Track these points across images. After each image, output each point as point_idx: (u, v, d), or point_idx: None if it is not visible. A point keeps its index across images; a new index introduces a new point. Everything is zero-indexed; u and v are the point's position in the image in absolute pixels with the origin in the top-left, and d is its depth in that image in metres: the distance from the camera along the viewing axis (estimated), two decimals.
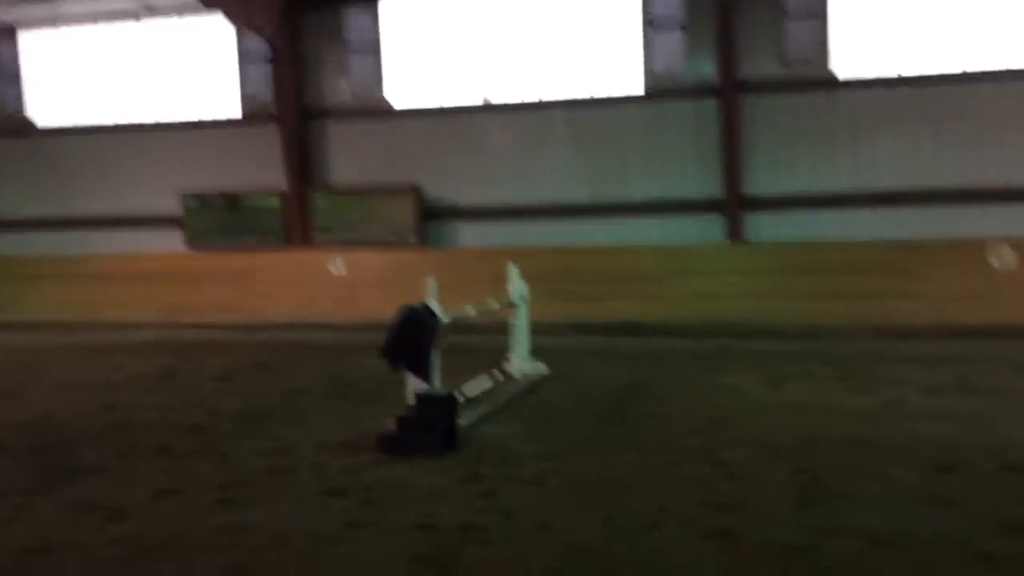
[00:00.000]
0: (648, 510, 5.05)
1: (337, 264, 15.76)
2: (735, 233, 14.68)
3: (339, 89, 16.65)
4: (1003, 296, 12.72)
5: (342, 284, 15.70)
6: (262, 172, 16.91)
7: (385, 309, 7.43)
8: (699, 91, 14.87)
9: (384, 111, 16.43)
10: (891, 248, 13.49)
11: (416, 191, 16.02)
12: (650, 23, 15.09)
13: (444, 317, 7.16)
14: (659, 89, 15.07)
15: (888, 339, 12.17)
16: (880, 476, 5.67)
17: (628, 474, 5.86)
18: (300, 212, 16.61)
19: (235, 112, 17.30)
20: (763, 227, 14.68)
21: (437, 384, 6.88)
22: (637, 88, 15.28)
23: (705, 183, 14.87)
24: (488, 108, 15.83)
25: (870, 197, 14.28)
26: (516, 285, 9.71)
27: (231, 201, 17.10)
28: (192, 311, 15.87)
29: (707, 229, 14.88)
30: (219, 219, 17.13)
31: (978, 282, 12.89)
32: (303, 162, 16.68)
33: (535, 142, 15.63)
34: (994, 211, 13.69)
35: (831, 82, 14.43)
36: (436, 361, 6.91)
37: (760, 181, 14.67)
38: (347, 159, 16.74)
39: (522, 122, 15.68)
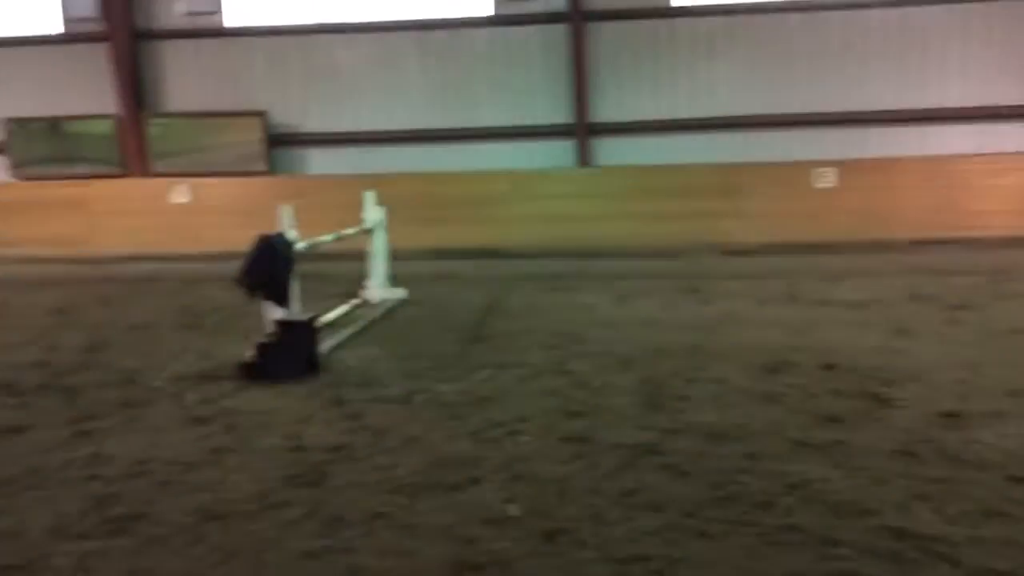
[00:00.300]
0: (509, 420, 5.32)
1: (180, 192, 15.06)
2: (584, 158, 15.10)
3: (174, 8, 15.63)
4: (824, 214, 13.82)
5: (185, 213, 15.06)
6: (93, 96, 15.78)
7: (233, 239, 7.28)
8: (548, 17, 14.99)
9: (222, 31, 15.60)
10: (725, 171, 14.30)
11: (261, 116, 15.41)
12: None
13: (300, 243, 7.11)
14: (508, 14, 15.07)
15: (725, 256, 13.01)
16: (716, 379, 6.19)
17: (489, 389, 6.11)
18: (136, 138, 15.67)
19: (60, 29, 15.93)
20: (610, 152, 15.17)
21: (296, 310, 6.87)
22: (487, 10, 15.22)
23: (555, 109, 15.13)
24: (334, 28, 15.34)
25: (707, 122, 14.99)
26: (371, 211, 9.69)
27: (56, 126, 15.87)
28: (22, 244, 14.81)
29: (558, 154, 15.22)
30: (46, 146, 15.88)
31: (802, 202, 13.93)
32: (136, 85, 15.67)
33: (384, 65, 15.35)
34: (817, 135, 14.71)
35: (670, 10, 14.89)
36: (294, 288, 6.88)
37: (607, 107, 15.09)
38: (185, 83, 15.85)
39: (370, 44, 15.32)
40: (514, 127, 15.02)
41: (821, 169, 14.07)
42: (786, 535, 3.65)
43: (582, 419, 5.34)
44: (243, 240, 6.85)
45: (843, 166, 14.04)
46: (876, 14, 14.48)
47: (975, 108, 14.34)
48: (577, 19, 14.76)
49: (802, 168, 14.13)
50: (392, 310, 9.29)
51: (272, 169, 15.54)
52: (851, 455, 4.56)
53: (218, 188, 15.03)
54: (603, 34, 14.92)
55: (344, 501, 4.13)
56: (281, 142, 15.58)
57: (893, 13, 14.44)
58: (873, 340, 7.31)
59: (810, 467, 4.39)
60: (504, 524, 3.82)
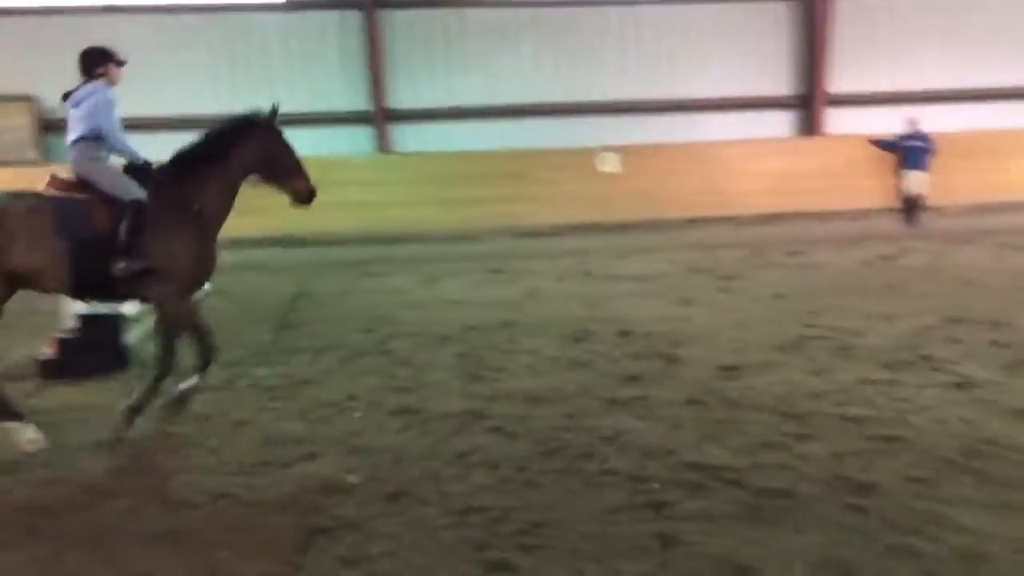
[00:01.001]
0: (337, 399, 5.48)
1: None
2: (383, 145, 15.22)
3: None
4: (610, 196, 14.83)
5: None
6: None
7: None
8: (342, 2, 14.93)
9: None
10: (519, 156, 14.96)
11: (30, 101, 14.20)
12: None
13: None
14: (302, 0, 14.84)
15: (522, 237, 13.68)
16: (528, 350, 6.66)
17: (311, 372, 6.22)
18: None
19: None
20: (408, 139, 15.40)
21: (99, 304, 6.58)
22: None
23: (353, 96, 15.12)
24: (114, 9, 14.40)
25: (500, 110, 15.58)
26: None
27: None
28: None
29: (357, 141, 15.24)
30: None
31: (590, 185, 14.85)
32: None
33: (171, 49, 14.63)
34: (600, 122, 15.71)
35: (462, 0, 15.32)
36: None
37: (404, 94, 15.29)
38: None
39: (155, 27, 14.54)
40: (312, 113, 14.84)
41: (605, 154, 15.06)
42: (605, 478, 4.12)
43: (409, 394, 5.60)
44: None
45: (625, 151, 15.12)
46: (648, 10, 15.65)
47: (736, 98, 15.90)
48: (370, 6, 14.82)
49: (588, 153, 15.06)
50: (199, 300, 9.03)
51: (46, 158, 14.38)
52: (652, 407, 5.15)
53: None
54: (397, 21, 15.08)
55: (181, 485, 4.15)
56: (56, 128, 14.40)
57: (663, 9, 15.68)
58: (660, 309, 8.10)
59: (619, 420, 4.93)
60: (346, 492, 4.02)
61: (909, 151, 13.57)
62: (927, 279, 8.92)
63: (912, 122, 13.69)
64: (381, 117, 15.16)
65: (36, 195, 4.72)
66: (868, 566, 3.21)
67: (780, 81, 15.98)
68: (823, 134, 15.67)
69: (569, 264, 11.05)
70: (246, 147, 5.13)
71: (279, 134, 5.31)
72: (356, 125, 15.20)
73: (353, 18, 14.94)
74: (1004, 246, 10.70)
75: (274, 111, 5.27)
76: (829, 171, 14.58)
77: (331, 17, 14.96)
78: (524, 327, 7.51)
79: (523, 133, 15.58)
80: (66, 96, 5.05)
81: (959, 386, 5.29)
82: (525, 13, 15.49)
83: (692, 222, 14.74)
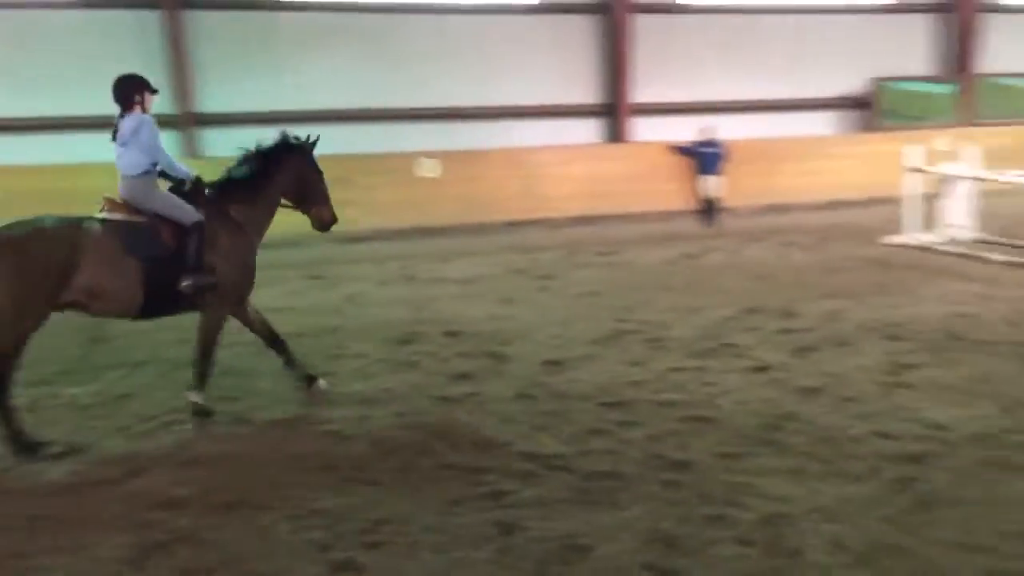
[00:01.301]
0: (159, 412, 5.26)
1: None
2: (192, 150, 14.56)
3: None
4: (430, 201, 14.96)
5: None
6: None
7: None
8: (139, 3, 14.15)
9: None
10: (338, 162, 14.69)
11: None
12: None
13: None
14: None
15: (343, 243, 13.50)
16: (356, 354, 6.67)
17: (128, 387, 5.92)
18: None
19: None
20: (219, 143, 14.78)
21: None
22: None
23: (159, 99, 14.31)
24: None
25: (317, 115, 15.30)
26: None
27: None
28: None
29: (165, 145, 14.42)
30: None
31: (411, 190, 14.92)
32: None
33: None
34: (422, 128, 15.81)
35: (273, 4, 14.95)
36: None
37: (214, 99, 14.69)
38: None
39: None
40: (110, 117, 13.91)
41: (424, 159, 15.17)
42: (442, 472, 4.24)
43: (236, 403, 5.47)
44: None
45: (444, 157, 15.30)
46: (464, 19, 15.92)
47: (548, 106, 16.48)
48: (171, 5, 14.12)
49: (408, 159, 15.12)
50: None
51: None
52: (483, 403, 5.33)
53: None
54: (205, 23, 14.47)
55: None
56: None
57: (477, 19, 16.01)
58: (484, 309, 8.32)
59: (452, 417, 5.07)
60: (180, 504, 3.89)
61: (704, 157, 14.62)
62: (725, 275, 9.69)
63: (706, 130, 14.77)
64: (189, 120, 14.47)
65: (98, 219, 4.93)
66: (688, 535, 3.52)
67: (588, 91, 16.75)
68: (628, 141, 16.59)
69: (392, 268, 11.08)
70: (286, 171, 5.54)
71: (315, 163, 5.72)
72: (162, 129, 14.36)
73: (151, 18, 14.17)
74: (787, 244, 11.80)
75: (314, 142, 5.71)
76: (634, 176, 15.45)
77: (126, 17, 14.11)
78: (350, 332, 7.50)
79: (342, 139, 15.31)
80: (114, 136, 5.24)
81: (757, 369, 5.84)
82: (342, 18, 15.32)
83: (510, 225, 15.15)
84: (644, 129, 16.65)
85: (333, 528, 3.63)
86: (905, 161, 11.30)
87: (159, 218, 5.05)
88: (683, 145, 15.03)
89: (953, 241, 10.76)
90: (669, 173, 15.34)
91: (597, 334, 7.05)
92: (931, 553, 3.31)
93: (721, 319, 7.40)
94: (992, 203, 11.73)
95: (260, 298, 9.14)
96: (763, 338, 6.70)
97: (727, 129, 15.13)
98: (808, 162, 16.12)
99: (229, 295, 5.28)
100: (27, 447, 4.51)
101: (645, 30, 16.47)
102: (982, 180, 10.96)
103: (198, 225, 5.06)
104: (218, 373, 6.15)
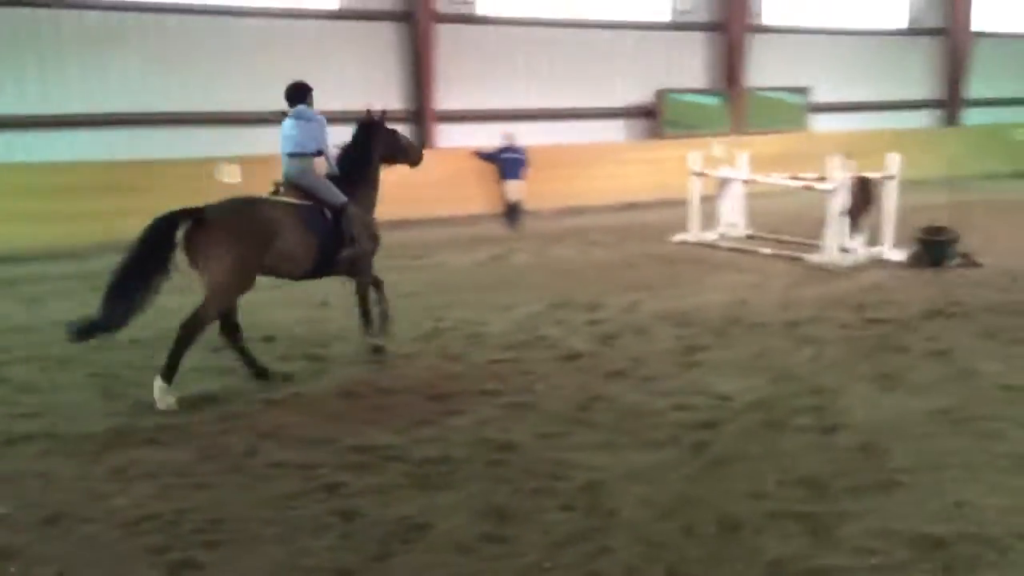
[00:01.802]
0: None
1: None
2: None
3: None
4: None
5: None
6: None
7: None
8: None
9: None
10: (121, 168, 13.96)
11: None
12: None
13: None
14: None
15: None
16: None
17: None
18: None
19: None
20: None
21: None
22: None
23: None
24: None
25: (102, 119, 14.42)
26: None
27: None
28: None
29: None
30: None
31: (208, 196, 14.25)
32: None
33: None
34: (220, 132, 15.28)
35: (49, 1, 13.93)
36: None
37: None
38: None
39: None
40: None
41: (223, 164, 14.65)
42: (273, 471, 4.28)
43: (39, 419, 5.17)
44: None
45: (244, 162, 14.85)
46: (261, 22, 15.53)
47: (351, 112, 16.30)
48: None
49: (205, 165, 14.55)
50: None
51: None
52: (307, 402, 5.38)
53: None
54: None
55: None
56: None
57: (276, 23, 15.67)
58: (300, 313, 8.26)
59: (277, 418, 5.08)
60: None
61: (507, 162, 15.15)
62: (533, 273, 10.17)
63: (508, 136, 15.31)
64: None
65: (283, 200, 6.14)
66: (519, 507, 3.80)
67: (393, 98, 16.86)
68: (434, 147, 16.88)
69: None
70: (377, 144, 6.90)
71: (389, 128, 7.10)
72: None
73: None
74: (588, 243, 12.51)
75: (384, 111, 7.16)
76: (442, 181, 15.70)
77: None
78: (155, 342, 7.19)
79: (133, 143, 14.56)
80: (284, 114, 6.70)
81: (569, 358, 6.27)
82: (131, 18, 14.48)
83: None
84: (449, 136, 17.02)
85: (168, 531, 3.59)
86: (690, 166, 12.35)
87: (319, 200, 6.14)
88: (486, 151, 15.51)
89: (729, 238, 11.90)
90: (474, 178, 15.77)
91: (417, 332, 7.23)
92: (725, 503, 3.80)
93: (533, 313, 7.81)
94: (760, 203, 13.08)
95: (49, 312, 8.61)
96: (572, 329, 7.17)
97: (528, 136, 15.78)
98: (603, 167, 17.16)
99: (370, 259, 6.52)
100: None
101: (448, 39, 16.85)
102: (752, 183, 12.22)
103: (346, 206, 6.18)
104: (14, 390, 5.84)
